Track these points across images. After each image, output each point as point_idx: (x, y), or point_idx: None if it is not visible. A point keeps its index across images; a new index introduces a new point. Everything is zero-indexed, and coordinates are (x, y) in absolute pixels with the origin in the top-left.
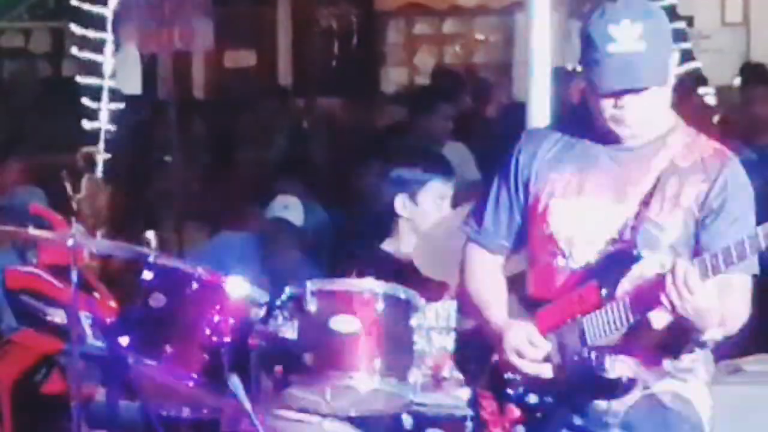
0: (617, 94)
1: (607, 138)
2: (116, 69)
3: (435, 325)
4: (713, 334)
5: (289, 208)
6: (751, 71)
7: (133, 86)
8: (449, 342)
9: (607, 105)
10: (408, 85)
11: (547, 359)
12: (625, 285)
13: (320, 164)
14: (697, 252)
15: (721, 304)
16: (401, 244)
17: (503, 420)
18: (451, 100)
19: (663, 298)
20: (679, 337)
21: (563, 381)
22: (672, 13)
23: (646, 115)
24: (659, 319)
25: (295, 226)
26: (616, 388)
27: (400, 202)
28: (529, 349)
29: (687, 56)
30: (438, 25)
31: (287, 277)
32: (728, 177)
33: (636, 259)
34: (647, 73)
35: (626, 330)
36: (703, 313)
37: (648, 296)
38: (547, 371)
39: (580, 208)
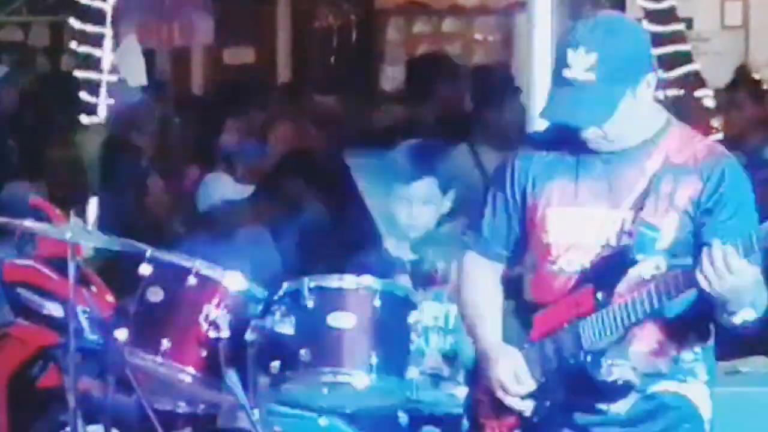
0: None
1: None
2: (119, 61)
3: (433, 326)
4: (746, 314)
5: (217, 186)
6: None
7: (138, 78)
8: (447, 343)
9: None
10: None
11: (529, 396)
12: (621, 289)
13: (319, 161)
14: (700, 250)
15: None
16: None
17: (500, 425)
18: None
19: (699, 277)
20: (702, 322)
21: (560, 386)
22: (671, 15)
23: (622, 131)
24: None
25: (232, 202)
26: (613, 392)
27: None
28: (514, 385)
29: (686, 58)
30: (437, 24)
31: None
32: (723, 175)
33: (632, 263)
34: (589, 109)
35: (626, 329)
36: (739, 292)
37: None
38: (528, 408)
39: (576, 216)
